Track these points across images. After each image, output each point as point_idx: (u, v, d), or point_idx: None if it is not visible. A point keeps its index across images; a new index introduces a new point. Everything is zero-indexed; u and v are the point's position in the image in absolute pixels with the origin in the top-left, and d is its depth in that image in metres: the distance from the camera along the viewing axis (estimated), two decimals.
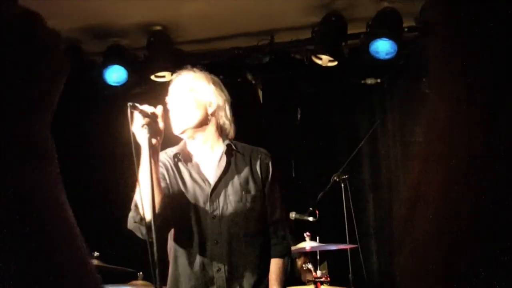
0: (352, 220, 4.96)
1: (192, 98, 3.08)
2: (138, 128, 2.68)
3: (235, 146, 3.15)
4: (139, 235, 2.86)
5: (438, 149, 0.71)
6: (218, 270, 2.96)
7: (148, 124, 2.68)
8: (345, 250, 4.80)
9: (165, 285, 3.04)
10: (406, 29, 5.07)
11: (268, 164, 3.17)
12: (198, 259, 2.98)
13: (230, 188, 3.05)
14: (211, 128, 3.12)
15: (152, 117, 2.70)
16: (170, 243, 3.09)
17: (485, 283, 0.60)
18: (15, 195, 0.61)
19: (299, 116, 5.98)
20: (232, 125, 3.20)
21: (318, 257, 4.60)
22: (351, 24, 5.15)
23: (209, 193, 3.03)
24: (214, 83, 3.18)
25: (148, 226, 2.64)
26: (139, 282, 4.54)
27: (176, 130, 3.06)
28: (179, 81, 3.16)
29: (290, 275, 4.73)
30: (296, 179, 5.90)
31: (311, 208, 4.65)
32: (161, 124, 2.74)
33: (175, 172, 3.07)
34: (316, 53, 5.27)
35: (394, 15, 5.00)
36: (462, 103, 0.67)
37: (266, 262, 3.10)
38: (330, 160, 5.66)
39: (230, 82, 3.97)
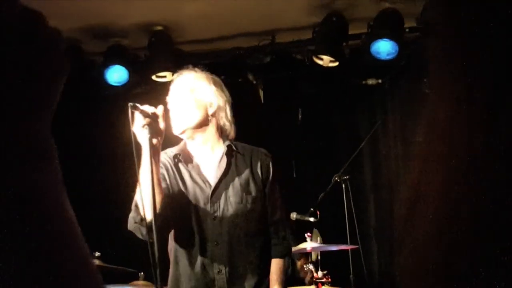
0: (353, 220, 4.95)
1: (193, 98, 3.07)
2: (139, 128, 2.68)
3: (235, 147, 3.14)
4: (139, 235, 2.85)
5: (438, 150, 0.71)
6: (219, 272, 2.96)
7: (149, 124, 2.67)
8: (346, 251, 4.80)
9: (166, 285, 3.04)
10: (407, 30, 5.07)
11: (269, 165, 3.16)
12: (198, 260, 2.98)
13: (230, 189, 3.04)
14: (211, 129, 3.11)
15: (153, 117, 2.70)
16: (171, 244, 3.09)
17: (485, 283, 0.60)
18: (15, 195, 0.61)
19: (300, 116, 5.98)
20: (233, 126, 3.19)
21: (319, 257, 4.60)
22: (352, 24, 5.15)
23: (210, 194, 3.02)
24: (215, 84, 3.16)
25: (148, 227, 2.63)
26: (140, 282, 4.54)
27: (176, 130, 3.05)
28: (180, 81, 3.15)
29: (291, 276, 4.74)
30: (297, 179, 5.90)
31: (312, 209, 4.65)
32: (161, 124, 2.74)
33: (175, 173, 3.06)
34: (317, 53, 5.27)
35: (395, 16, 5.00)
36: (463, 103, 0.67)
37: (267, 263, 3.10)
38: (331, 161, 5.66)
39: (231, 82, 3.98)
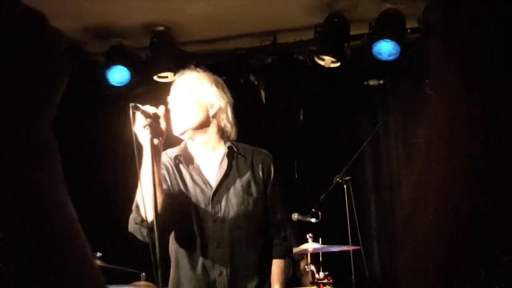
0: (355, 221, 4.95)
1: (193, 99, 3.05)
2: (140, 129, 2.67)
3: (236, 148, 3.12)
4: (139, 237, 2.84)
5: (440, 150, 0.71)
6: (220, 274, 2.95)
7: (150, 125, 2.67)
8: (347, 252, 4.79)
9: (167, 286, 3.04)
10: (409, 31, 5.06)
11: (270, 166, 3.14)
12: (200, 262, 2.97)
13: (232, 191, 3.03)
14: (212, 130, 3.09)
15: (154, 118, 2.70)
16: (172, 246, 3.08)
17: (485, 283, 0.59)
18: (15, 195, 0.61)
19: (301, 117, 5.98)
20: (234, 127, 3.16)
21: (320, 258, 4.59)
22: (353, 25, 5.15)
23: (211, 196, 3.00)
24: (217, 85, 3.14)
25: (149, 227, 2.63)
26: (142, 283, 4.54)
27: (176, 131, 3.02)
28: (181, 81, 3.13)
29: (292, 277, 4.73)
30: (298, 180, 5.90)
31: (313, 210, 4.65)
32: (163, 125, 2.73)
33: (176, 174, 3.05)
34: (319, 54, 5.27)
35: (397, 16, 4.99)
36: (464, 103, 0.67)
37: (268, 263, 3.09)
38: (332, 161, 5.66)
39: (233, 82, 3.97)
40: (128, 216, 2.88)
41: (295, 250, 3.95)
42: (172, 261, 3.07)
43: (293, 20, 5.25)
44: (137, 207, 2.80)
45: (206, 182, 3.04)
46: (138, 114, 2.66)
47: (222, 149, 3.10)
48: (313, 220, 4.61)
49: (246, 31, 5.43)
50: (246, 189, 3.04)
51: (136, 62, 5.58)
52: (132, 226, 2.86)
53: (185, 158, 3.09)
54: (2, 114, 0.62)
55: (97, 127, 5.55)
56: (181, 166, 3.07)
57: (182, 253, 3.01)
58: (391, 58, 5.07)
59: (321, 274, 4.30)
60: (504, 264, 0.59)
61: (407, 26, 5.04)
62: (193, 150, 3.11)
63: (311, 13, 5.10)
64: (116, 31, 5.33)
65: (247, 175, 3.08)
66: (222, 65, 5.20)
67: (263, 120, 5.76)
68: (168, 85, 3.24)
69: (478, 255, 0.61)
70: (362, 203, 5.52)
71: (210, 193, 3.01)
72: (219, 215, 2.99)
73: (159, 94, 3.26)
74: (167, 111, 2.82)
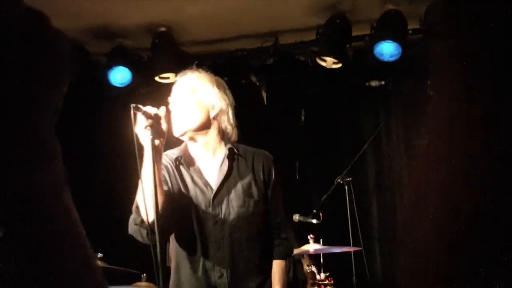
0: (356, 222, 4.95)
1: (194, 100, 3.03)
2: (141, 129, 2.67)
3: (237, 150, 3.11)
4: (139, 239, 2.82)
5: (441, 151, 0.71)
6: (221, 275, 2.94)
7: (151, 126, 2.66)
8: (348, 253, 4.79)
9: (168, 287, 3.03)
10: (410, 31, 5.07)
11: (271, 167, 3.13)
12: (200, 264, 2.96)
13: (232, 193, 3.01)
14: (212, 131, 3.07)
15: (155, 119, 2.69)
16: (172, 247, 3.07)
17: (485, 283, 0.59)
18: (15, 195, 0.61)
19: (303, 117, 5.98)
20: (235, 129, 3.14)
21: (321, 259, 4.59)
22: (355, 26, 5.15)
23: (211, 198, 2.99)
24: (219, 86, 3.11)
25: (149, 228, 2.62)
26: (143, 283, 4.55)
27: (176, 132, 3.00)
28: (183, 81, 3.11)
29: (295, 277, 4.73)
30: (299, 181, 5.90)
31: (314, 211, 4.65)
32: (164, 126, 2.73)
33: (177, 175, 3.03)
34: (321, 55, 5.27)
35: (398, 17, 4.99)
36: (463, 103, 0.67)
37: (268, 264, 3.08)
38: (334, 162, 5.66)
39: (234, 83, 3.96)
40: (129, 216, 2.88)
41: (296, 251, 3.95)
42: (173, 263, 3.06)
43: (294, 21, 5.26)
44: (137, 208, 2.79)
45: (207, 184, 3.03)
46: (139, 115, 2.66)
47: (222, 150, 3.09)
48: (314, 221, 4.61)
49: (247, 32, 5.43)
50: (247, 191, 3.03)
51: (137, 62, 5.58)
52: (131, 228, 2.85)
53: (186, 160, 3.07)
54: (2, 114, 0.62)
55: (98, 128, 5.55)
56: (181, 167, 3.06)
57: (182, 255, 3.00)
58: (392, 59, 5.07)
59: (322, 275, 4.31)
60: (504, 264, 0.59)
61: (409, 27, 5.04)
62: (193, 152, 3.10)
63: (312, 14, 5.10)
64: (117, 31, 5.34)
65: (248, 177, 3.07)
66: (223, 66, 5.21)
67: (264, 121, 5.75)
68: (169, 86, 3.23)
69: (478, 255, 0.61)
70: (363, 204, 5.52)
71: (210, 195, 3.00)
72: (220, 217, 2.98)
73: (161, 95, 3.25)
74: (168, 112, 2.81)
